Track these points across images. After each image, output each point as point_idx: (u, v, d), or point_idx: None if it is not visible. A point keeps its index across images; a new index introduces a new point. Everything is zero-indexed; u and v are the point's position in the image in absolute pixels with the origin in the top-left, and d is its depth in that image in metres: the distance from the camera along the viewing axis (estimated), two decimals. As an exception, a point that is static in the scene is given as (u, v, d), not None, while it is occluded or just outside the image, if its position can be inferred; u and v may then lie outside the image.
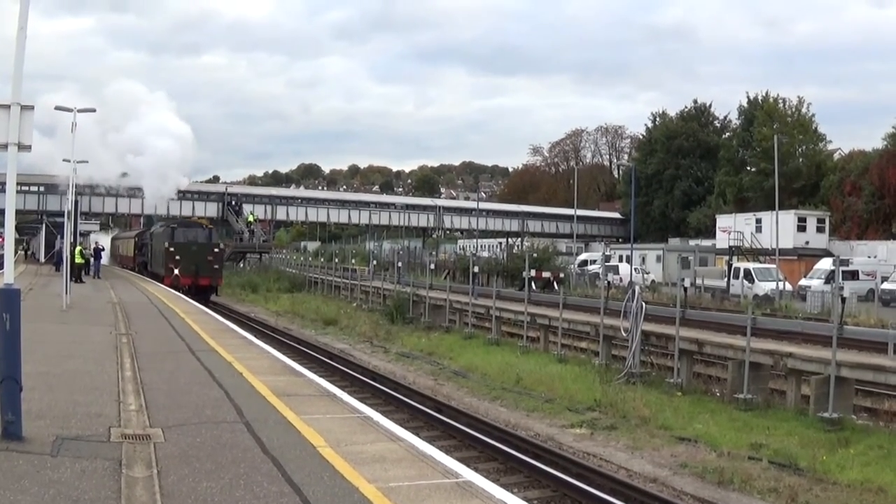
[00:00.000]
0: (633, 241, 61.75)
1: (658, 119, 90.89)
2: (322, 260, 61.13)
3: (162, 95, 59.55)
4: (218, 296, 43.54)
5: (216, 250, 42.45)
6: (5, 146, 8.63)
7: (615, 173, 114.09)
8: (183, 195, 62.79)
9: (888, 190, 62.08)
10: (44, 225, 64.61)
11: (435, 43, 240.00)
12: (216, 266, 41.83)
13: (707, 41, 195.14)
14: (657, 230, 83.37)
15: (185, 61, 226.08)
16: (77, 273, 39.24)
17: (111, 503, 6.56)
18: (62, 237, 37.84)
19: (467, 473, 8.03)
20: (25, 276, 38.74)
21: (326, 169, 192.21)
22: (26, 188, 62.58)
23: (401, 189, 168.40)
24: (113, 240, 74.50)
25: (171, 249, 40.49)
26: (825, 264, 41.84)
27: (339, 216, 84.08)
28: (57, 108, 30.95)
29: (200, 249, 41.11)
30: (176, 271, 39.73)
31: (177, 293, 34.31)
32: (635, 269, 48.72)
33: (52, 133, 41.39)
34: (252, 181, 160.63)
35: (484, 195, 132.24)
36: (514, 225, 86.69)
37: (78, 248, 42.03)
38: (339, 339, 30.04)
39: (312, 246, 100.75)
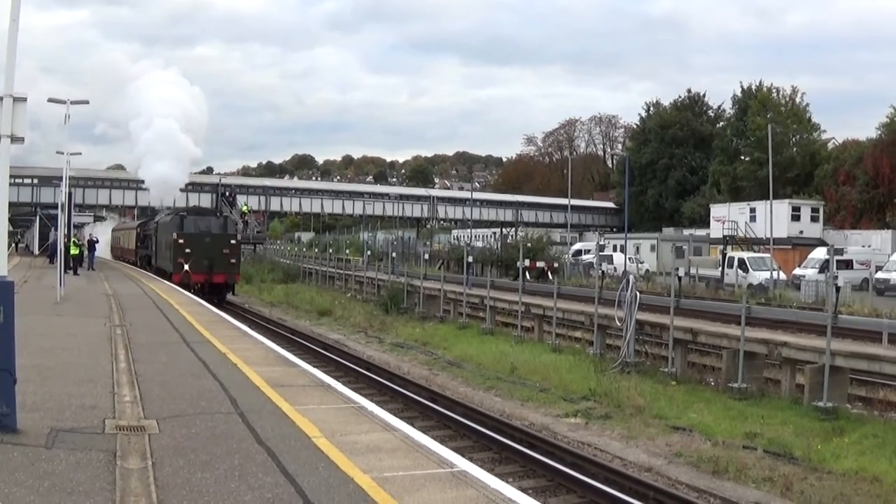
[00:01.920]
0: (627, 231, 61.97)
1: (652, 109, 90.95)
2: (316, 250, 60.97)
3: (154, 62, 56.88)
4: (235, 294, 38.45)
5: (232, 242, 36.88)
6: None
7: (609, 163, 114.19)
8: None
9: (882, 179, 62.23)
10: (37, 217, 64.45)
11: (428, 33, 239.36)
12: (233, 260, 36.32)
13: (699, 31, 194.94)
14: (651, 220, 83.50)
15: (178, 53, 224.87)
16: (73, 265, 39.08)
17: (106, 495, 6.55)
18: (56, 229, 37.62)
19: (462, 463, 8.04)
20: (19, 269, 38.66)
21: (320, 159, 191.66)
22: (20, 180, 62.37)
23: (395, 179, 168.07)
24: (113, 231, 71.97)
25: (181, 241, 34.83)
26: (819, 253, 41.93)
27: (333, 207, 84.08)
28: (50, 100, 30.84)
29: (214, 241, 35.77)
30: (186, 267, 34.25)
31: (172, 285, 33.90)
32: (629, 258, 48.88)
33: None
34: (246, 172, 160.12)
35: (478, 185, 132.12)
36: (508, 215, 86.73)
37: (72, 240, 41.80)
38: (334, 329, 30.01)
39: (306, 236, 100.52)
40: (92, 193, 70.87)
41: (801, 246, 53.64)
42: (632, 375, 18.01)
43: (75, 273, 38.27)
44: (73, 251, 39.91)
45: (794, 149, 73.55)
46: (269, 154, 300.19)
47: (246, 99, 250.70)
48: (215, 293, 34.73)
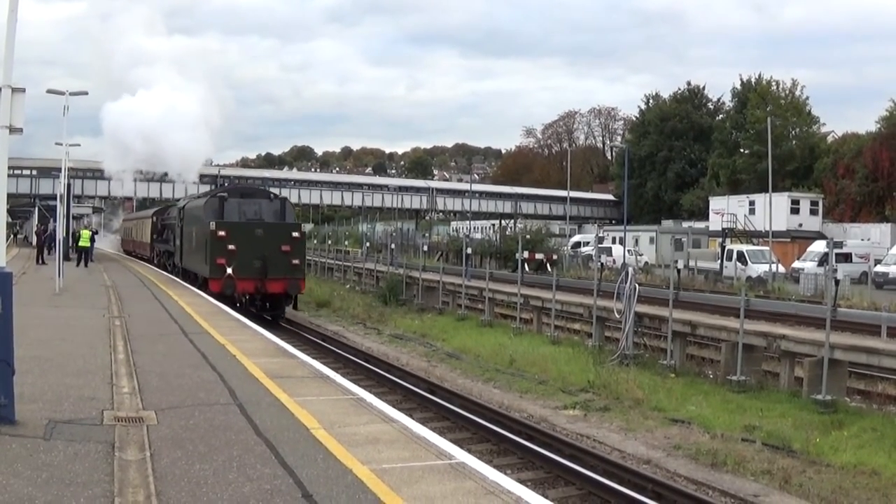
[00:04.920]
0: (626, 223, 61.89)
1: (651, 101, 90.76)
2: (315, 242, 60.93)
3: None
4: (297, 309, 28.81)
5: (294, 235, 26.50)
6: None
7: (608, 155, 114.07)
8: (165, 175, 58.15)
9: (881, 173, 62.17)
10: (36, 209, 64.33)
11: (426, 26, 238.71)
12: (295, 261, 26.02)
13: (696, 25, 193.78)
14: (650, 212, 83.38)
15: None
16: (84, 257, 38.50)
17: (104, 486, 6.54)
18: (54, 220, 37.34)
19: (461, 455, 8.03)
20: (18, 260, 38.57)
21: (319, 151, 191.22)
22: (18, 171, 62.27)
23: (394, 171, 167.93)
24: (124, 221, 69.67)
25: (221, 234, 25.11)
26: (818, 247, 41.89)
27: (332, 198, 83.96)
28: (49, 91, 30.75)
29: (269, 234, 25.88)
30: (229, 270, 24.80)
31: (171, 277, 33.61)
32: (628, 250, 48.79)
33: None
34: (245, 163, 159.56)
35: (477, 177, 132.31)
36: (507, 207, 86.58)
37: (86, 232, 41.39)
38: (333, 321, 29.99)
39: (306, 228, 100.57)
40: (91, 185, 70.61)
41: (800, 239, 53.66)
42: (630, 368, 18.00)
43: (78, 265, 37.53)
44: (84, 244, 39.18)
45: (794, 142, 73.48)
46: (268, 146, 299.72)
47: (244, 91, 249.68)
48: (270, 307, 26.66)
